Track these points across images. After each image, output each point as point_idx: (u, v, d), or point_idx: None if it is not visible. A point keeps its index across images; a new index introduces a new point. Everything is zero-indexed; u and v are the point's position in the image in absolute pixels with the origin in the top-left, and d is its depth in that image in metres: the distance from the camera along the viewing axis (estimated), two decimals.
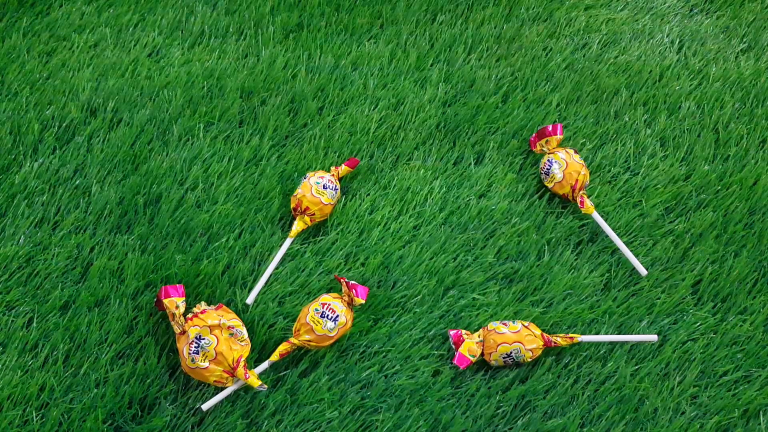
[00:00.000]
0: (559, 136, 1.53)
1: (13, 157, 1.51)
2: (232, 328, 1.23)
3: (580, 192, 1.46)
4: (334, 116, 1.64)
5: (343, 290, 1.30)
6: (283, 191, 1.49)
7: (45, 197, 1.45)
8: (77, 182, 1.48)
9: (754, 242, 1.45)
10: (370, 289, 1.35)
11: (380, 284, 1.37)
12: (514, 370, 1.27)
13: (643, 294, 1.37)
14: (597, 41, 1.83)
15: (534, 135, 1.56)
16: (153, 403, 1.21)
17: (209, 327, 1.22)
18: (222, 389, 1.22)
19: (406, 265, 1.39)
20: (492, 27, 1.86)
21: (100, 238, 1.40)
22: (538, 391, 1.24)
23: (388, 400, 1.23)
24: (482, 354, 1.26)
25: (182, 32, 1.81)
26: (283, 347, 1.24)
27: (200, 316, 1.23)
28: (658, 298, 1.36)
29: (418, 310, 1.33)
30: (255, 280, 1.36)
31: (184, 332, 1.22)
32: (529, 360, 1.26)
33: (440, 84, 1.71)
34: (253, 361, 1.27)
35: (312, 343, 1.25)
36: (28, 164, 1.50)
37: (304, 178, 1.46)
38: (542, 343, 1.26)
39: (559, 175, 1.47)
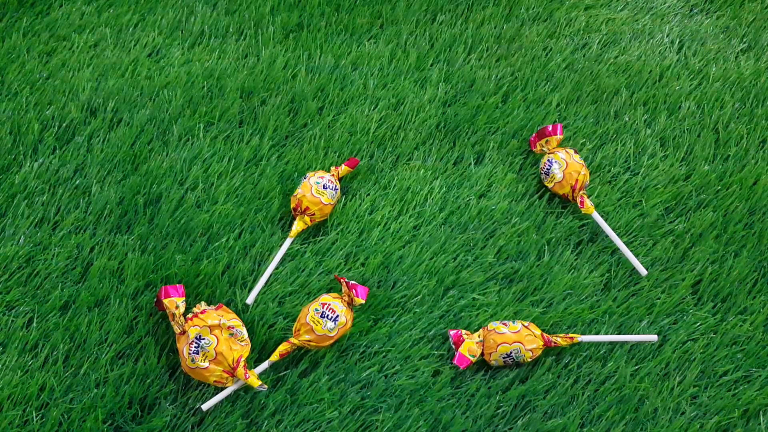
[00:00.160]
0: (559, 136, 1.53)
1: (13, 157, 1.51)
2: (232, 328, 1.23)
3: (580, 192, 1.46)
4: (334, 116, 1.64)
5: (343, 290, 1.30)
6: (283, 191, 1.49)
7: (45, 197, 1.45)
8: (77, 182, 1.48)
9: (754, 242, 1.45)
10: (370, 289, 1.35)
11: (380, 284, 1.37)
12: (514, 370, 1.27)
13: (643, 294, 1.37)
14: (597, 41, 1.83)
15: (534, 135, 1.56)
16: (153, 403, 1.21)
17: (209, 327, 1.22)
18: (222, 389, 1.22)
19: (406, 265, 1.39)
20: (492, 27, 1.86)
21: (100, 238, 1.40)
22: (538, 391, 1.24)
23: (388, 400, 1.23)
24: (482, 354, 1.26)
25: (182, 32, 1.80)
26: (283, 347, 1.24)
27: (200, 316, 1.23)
28: (658, 298, 1.36)
29: (418, 310, 1.33)
30: (255, 280, 1.36)
31: (184, 332, 1.22)
32: (529, 360, 1.26)
33: (440, 84, 1.71)
34: (253, 361, 1.27)
35: (312, 343, 1.25)
36: (28, 164, 1.50)
37: (304, 178, 1.46)
38: (542, 343, 1.26)
39: (559, 175, 1.47)
